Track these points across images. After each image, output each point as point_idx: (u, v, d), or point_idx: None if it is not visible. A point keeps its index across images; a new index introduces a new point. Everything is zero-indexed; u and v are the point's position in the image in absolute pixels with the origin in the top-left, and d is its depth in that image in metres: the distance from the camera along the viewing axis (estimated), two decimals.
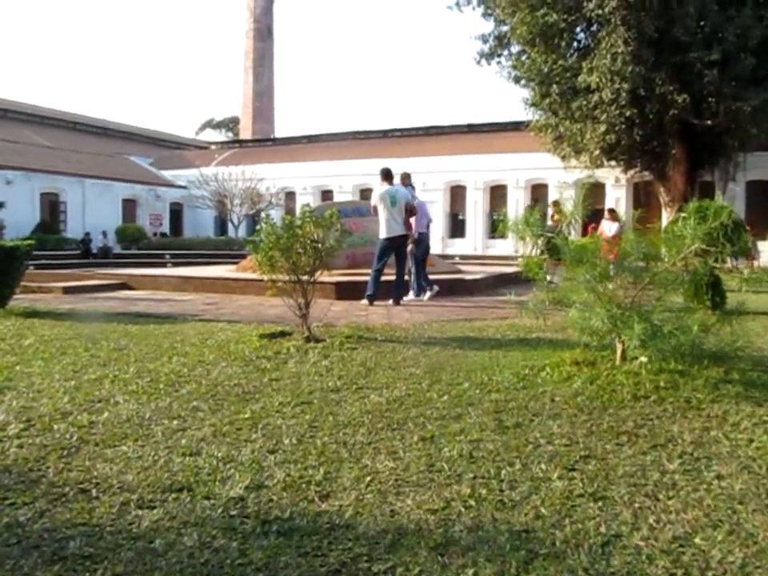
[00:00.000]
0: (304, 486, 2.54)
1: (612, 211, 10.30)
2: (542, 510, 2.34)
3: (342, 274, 10.06)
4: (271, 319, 7.08)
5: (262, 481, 2.59)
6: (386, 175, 8.93)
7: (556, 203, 11.66)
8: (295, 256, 5.68)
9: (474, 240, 28.23)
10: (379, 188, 9.08)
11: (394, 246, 8.71)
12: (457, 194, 29.22)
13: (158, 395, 3.85)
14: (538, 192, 27.18)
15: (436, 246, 25.17)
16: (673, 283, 4.37)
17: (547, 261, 6.17)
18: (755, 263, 9.09)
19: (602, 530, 2.20)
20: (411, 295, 9.37)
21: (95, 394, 3.87)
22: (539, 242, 9.77)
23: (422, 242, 9.50)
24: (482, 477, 2.63)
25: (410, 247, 9.19)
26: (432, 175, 27.40)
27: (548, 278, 11.79)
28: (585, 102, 18.49)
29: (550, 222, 9.97)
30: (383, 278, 8.75)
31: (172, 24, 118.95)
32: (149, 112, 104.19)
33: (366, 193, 27.86)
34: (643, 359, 4.31)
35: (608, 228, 9.47)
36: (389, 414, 3.45)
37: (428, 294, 9.42)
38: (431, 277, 9.80)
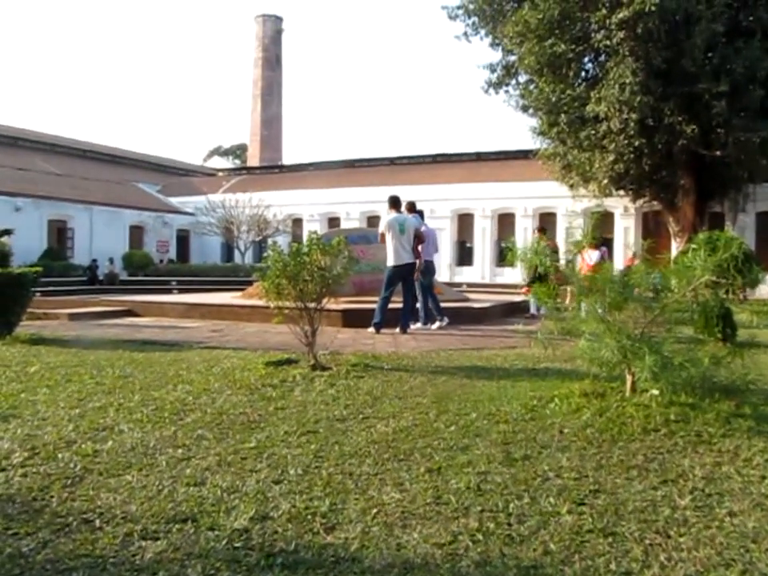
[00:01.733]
0: (309, 517, 2.54)
1: (593, 238, 10.25)
2: (551, 546, 2.32)
3: (348, 302, 10.09)
4: (277, 347, 7.10)
5: (266, 512, 2.59)
6: (394, 203, 9.02)
7: (541, 230, 11.71)
8: (302, 283, 5.73)
9: (482, 268, 28.28)
10: (387, 216, 9.15)
11: (402, 274, 8.75)
12: (464, 221, 29.35)
13: (163, 424, 3.85)
14: (546, 220, 27.26)
15: (443, 274, 25.23)
16: (683, 314, 4.37)
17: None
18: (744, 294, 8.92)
19: (612, 566, 2.18)
20: (419, 324, 9.38)
21: (100, 422, 3.89)
22: (527, 271, 9.65)
23: (429, 270, 9.55)
24: (489, 510, 2.62)
25: (416, 275, 9.23)
26: (440, 203, 27.60)
27: (531, 309, 11.69)
28: (593, 132, 18.66)
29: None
30: (390, 305, 8.78)
31: (181, 52, 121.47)
32: (157, 139, 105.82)
33: (373, 220, 28.04)
34: (654, 392, 4.29)
35: (588, 257, 9.47)
36: (395, 445, 3.45)
37: (437, 324, 9.41)
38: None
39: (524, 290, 11.58)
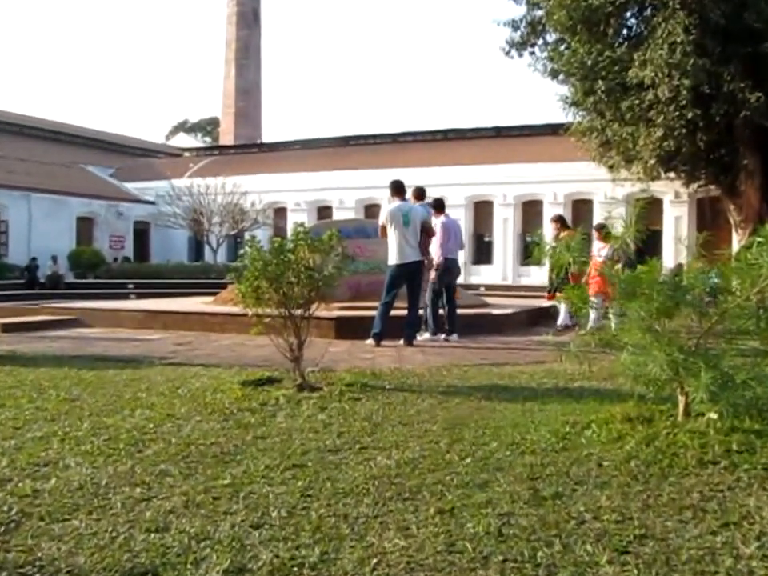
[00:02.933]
0: (295, 569, 2.54)
1: (602, 228, 10.24)
2: None
3: (342, 308, 10.13)
4: (256, 363, 7.13)
5: (243, 563, 2.59)
6: (397, 189, 9.05)
7: (558, 220, 11.64)
8: (286, 286, 5.76)
9: (504, 267, 28.40)
10: (389, 204, 9.17)
11: (407, 275, 8.79)
12: (482, 211, 29.48)
13: (118, 457, 3.86)
14: (581, 209, 27.38)
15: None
16: (746, 322, 4.37)
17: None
18: None
19: None
20: (426, 335, 9.39)
21: (41, 455, 3.90)
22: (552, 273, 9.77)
23: (450, 270, 9.55)
24: (513, 560, 2.62)
25: (432, 275, 9.26)
26: (452, 189, 27.71)
27: (559, 320, 11.83)
28: (637, 101, 18.69)
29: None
30: (393, 312, 8.83)
31: (139, 9, 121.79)
32: (110, 113, 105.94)
33: (372, 210, 28.15)
34: (712, 415, 4.29)
35: (597, 250, 9.48)
36: (399, 481, 3.45)
37: (452, 338, 9.40)
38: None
39: (547, 295, 11.59)
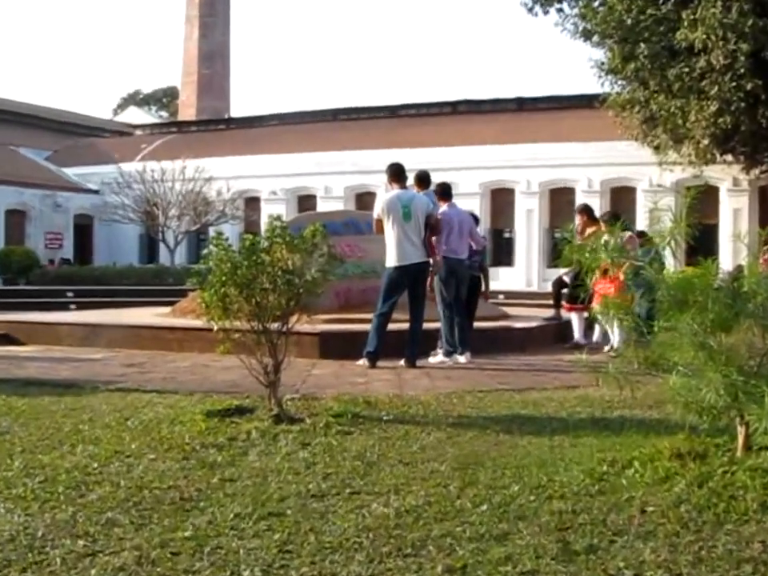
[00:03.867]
0: None
1: (612, 218, 10.34)
2: None
3: (329, 321, 10.11)
4: (223, 388, 7.13)
5: None
6: (396, 174, 9.08)
7: (584, 211, 11.62)
8: (259, 294, 5.77)
9: (527, 269, 28.45)
10: (386, 193, 9.18)
11: (409, 279, 8.81)
12: (501, 200, 29.57)
13: (56, 503, 3.86)
14: (621, 199, 27.46)
15: None
16: None
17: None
18: None
19: None
20: (439, 355, 9.37)
21: None
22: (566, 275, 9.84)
23: (454, 272, 9.42)
24: None
25: (435, 281, 9.25)
26: (464, 174, 27.77)
27: (576, 335, 11.95)
28: (686, 69, 18.76)
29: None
30: (391, 326, 8.83)
31: None
32: (46, 84, 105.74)
33: (365, 199, 28.23)
34: None
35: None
36: (399, 533, 3.45)
37: (464, 357, 9.35)
38: None
39: (566, 306, 11.58)
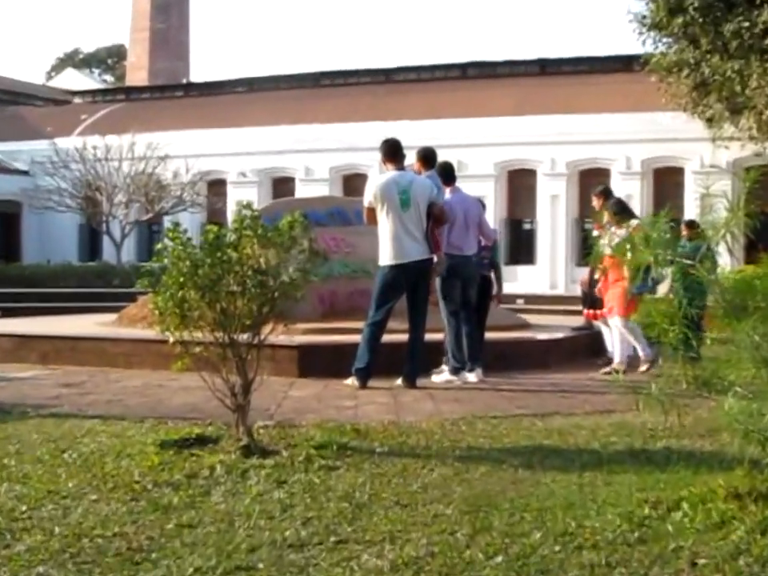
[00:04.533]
0: None
1: (619, 207, 10.39)
2: None
3: (310, 331, 10.13)
4: (181, 413, 7.12)
5: None
6: (392, 152, 9.07)
7: (602, 194, 11.57)
8: (225, 299, 5.76)
9: (551, 268, 28.47)
10: (380, 175, 9.16)
11: (408, 281, 8.83)
12: (519, 184, 29.61)
13: None
14: (666, 181, 27.52)
15: None
16: None
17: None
18: None
19: None
20: (445, 373, 9.40)
21: None
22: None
23: (458, 272, 9.46)
24: None
25: (436, 283, 9.25)
26: (474, 152, 27.82)
27: (609, 348, 12.09)
28: (746, 24, 18.76)
29: (594, 233, 10.16)
30: (386, 337, 8.86)
31: None
32: None
33: (354, 183, 28.20)
34: None
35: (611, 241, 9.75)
36: None
37: (475, 374, 9.37)
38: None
39: (586, 312, 11.62)
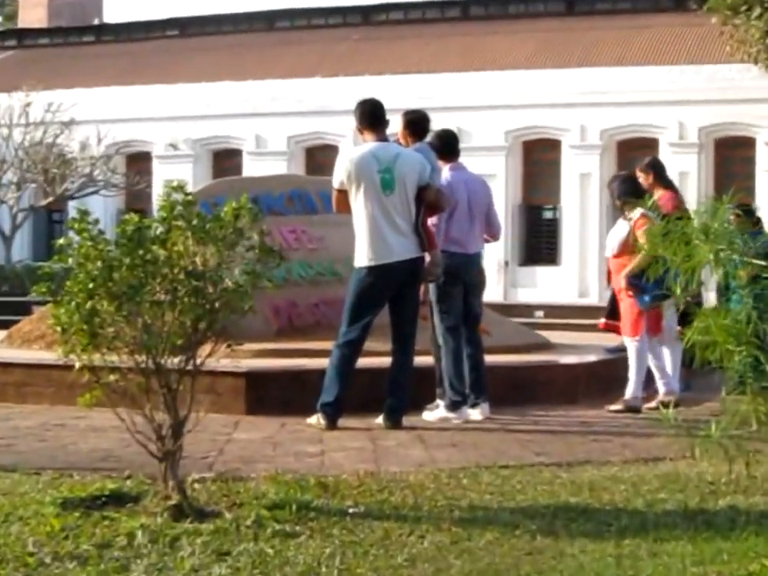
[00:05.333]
0: None
1: (627, 186, 10.43)
2: None
3: (262, 353, 10.14)
4: (90, 463, 7.08)
5: None
6: (371, 117, 9.09)
7: (651, 167, 11.56)
8: (150, 311, 5.72)
9: (580, 271, 28.49)
10: (354, 148, 9.12)
11: (392, 288, 8.86)
12: (538, 160, 29.65)
13: None
14: (731, 155, 27.62)
15: (491, 286, 25.25)
16: None
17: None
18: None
19: None
20: (440, 409, 9.39)
21: None
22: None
23: (458, 274, 9.46)
24: None
25: (430, 291, 9.24)
26: (478, 117, 27.85)
27: (660, 379, 12.04)
28: None
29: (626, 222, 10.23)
30: (363, 362, 8.89)
31: None
32: None
33: (320, 157, 28.21)
34: None
35: (616, 235, 9.89)
36: None
37: (479, 410, 9.41)
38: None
39: (601, 323, 11.64)
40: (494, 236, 10.27)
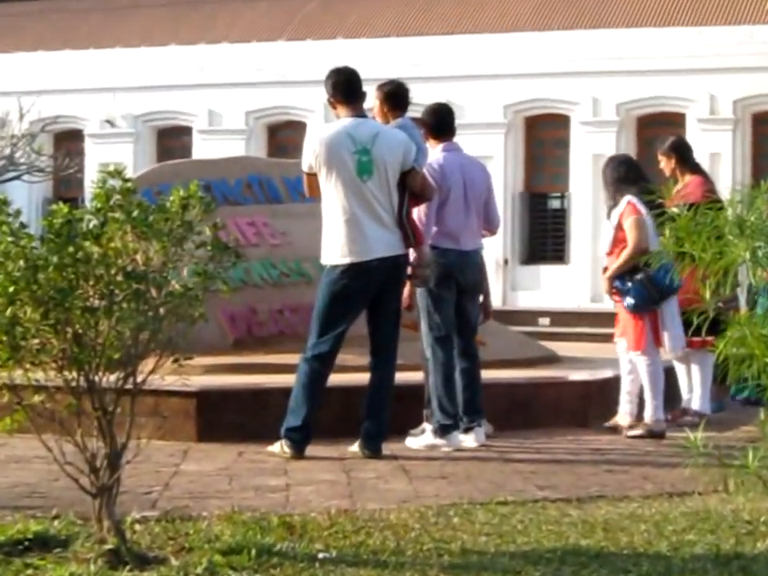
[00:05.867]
0: None
1: (621, 171, 10.49)
2: None
3: (215, 368, 10.16)
4: (11, 500, 7.07)
5: None
6: (345, 88, 9.11)
7: (674, 150, 11.59)
8: (82, 319, 5.71)
9: (593, 271, 28.35)
10: (325, 125, 9.13)
11: (370, 290, 8.90)
12: (544, 138, 29.72)
13: None
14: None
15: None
16: None
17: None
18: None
19: None
20: (427, 434, 9.40)
21: None
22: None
23: (452, 274, 9.48)
24: None
25: (414, 292, 9.27)
26: (472, 88, 27.89)
27: (684, 394, 12.29)
28: None
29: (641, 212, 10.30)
30: (335, 378, 8.90)
31: None
32: None
33: (286, 136, 28.22)
34: None
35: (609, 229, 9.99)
36: None
37: (474, 436, 9.42)
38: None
39: (619, 332, 11.70)
40: (491, 230, 10.29)
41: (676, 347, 10.24)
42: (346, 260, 8.74)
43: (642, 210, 9.75)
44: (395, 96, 9.50)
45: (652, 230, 9.51)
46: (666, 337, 10.19)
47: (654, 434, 9.90)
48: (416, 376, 9.54)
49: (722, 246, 5.06)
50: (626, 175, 10.33)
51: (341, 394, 8.84)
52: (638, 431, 9.97)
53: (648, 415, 10.00)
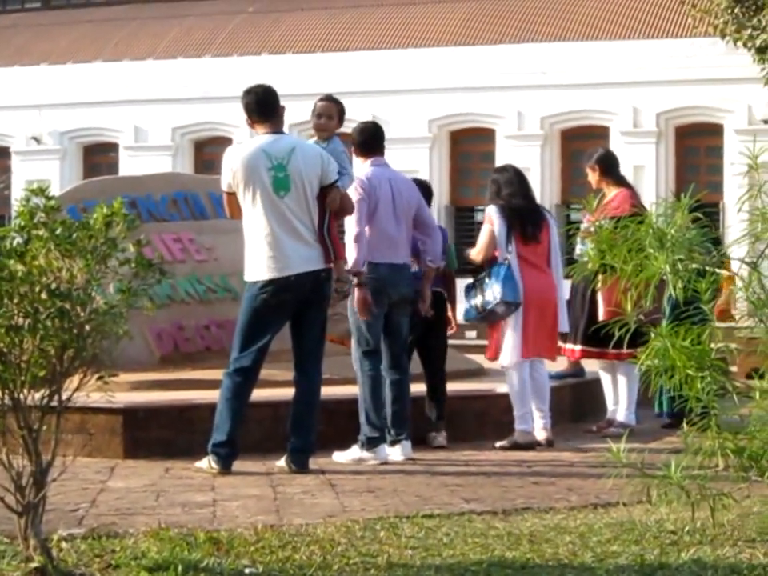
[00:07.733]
0: None
1: (605, 164, 10.69)
2: None
3: (142, 385, 10.13)
4: None
5: None
6: (262, 106, 9.09)
7: (600, 162, 11.66)
8: (5, 337, 5.66)
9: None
10: (240, 144, 9.10)
11: (292, 306, 8.89)
12: (468, 152, 29.76)
13: None
14: (695, 146, 27.90)
15: None
16: None
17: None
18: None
19: None
20: (354, 448, 9.39)
21: None
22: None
23: (384, 288, 9.46)
24: None
25: (349, 307, 9.27)
26: (396, 102, 27.95)
27: (609, 405, 12.43)
28: None
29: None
30: (260, 393, 8.93)
31: None
32: None
33: (211, 152, 28.17)
34: None
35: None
36: None
37: (400, 449, 9.45)
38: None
39: (576, 352, 11.68)
40: (433, 261, 10.09)
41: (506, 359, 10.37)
42: (265, 276, 8.74)
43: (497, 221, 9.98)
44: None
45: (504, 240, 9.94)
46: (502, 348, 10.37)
47: (518, 446, 9.93)
48: (344, 390, 9.55)
49: (643, 259, 5.08)
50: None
51: (268, 409, 8.84)
52: (503, 442, 10.01)
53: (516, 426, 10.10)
